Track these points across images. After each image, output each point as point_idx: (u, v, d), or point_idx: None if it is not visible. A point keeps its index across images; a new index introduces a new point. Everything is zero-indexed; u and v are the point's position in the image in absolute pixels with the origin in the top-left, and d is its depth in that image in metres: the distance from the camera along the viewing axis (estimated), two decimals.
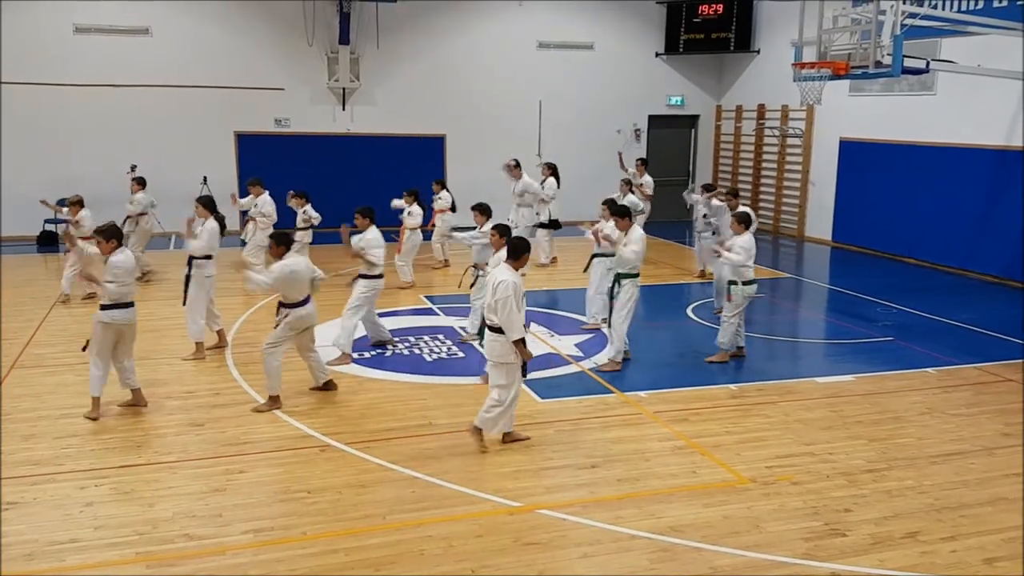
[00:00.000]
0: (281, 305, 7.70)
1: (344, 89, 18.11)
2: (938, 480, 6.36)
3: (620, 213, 9.00)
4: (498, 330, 6.61)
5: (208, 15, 17.29)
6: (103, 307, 7.34)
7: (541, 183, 14.52)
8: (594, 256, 10.26)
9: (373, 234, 9.12)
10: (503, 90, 19.12)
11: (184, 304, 9.24)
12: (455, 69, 18.81)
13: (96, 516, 5.66)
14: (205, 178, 17.32)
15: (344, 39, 17.54)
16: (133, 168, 16.57)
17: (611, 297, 8.93)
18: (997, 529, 5.64)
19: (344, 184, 17.66)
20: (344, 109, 18.32)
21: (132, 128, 16.97)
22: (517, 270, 6.71)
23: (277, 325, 7.68)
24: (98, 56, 16.68)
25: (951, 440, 7.16)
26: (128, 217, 12.69)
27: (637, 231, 8.84)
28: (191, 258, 9.20)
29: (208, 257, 9.23)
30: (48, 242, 16.25)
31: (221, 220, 9.52)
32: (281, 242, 7.73)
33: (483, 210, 9.82)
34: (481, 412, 6.82)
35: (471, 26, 18.84)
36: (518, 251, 6.74)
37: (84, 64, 16.61)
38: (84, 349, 7.41)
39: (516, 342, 6.56)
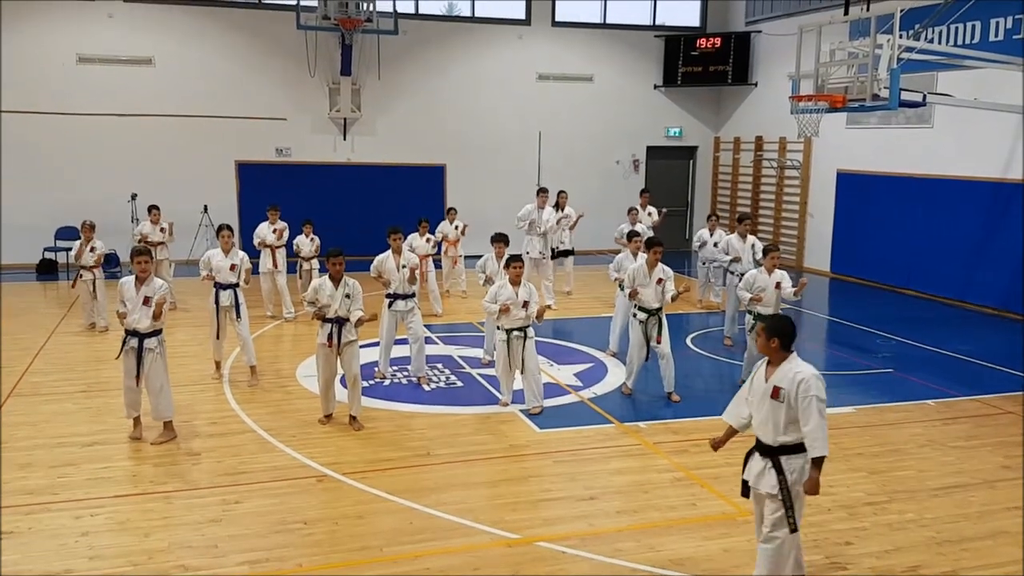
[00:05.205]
0: None
1: (345, 119, 18.26)
2: (939, 513, 6.32)
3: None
4: (790, 449, 4.73)
5: (211, 46, 17.46)
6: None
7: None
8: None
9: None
10: (503, 121, 19.28)
11: (218, 335, 9.47)
12: (456, 100, 18.98)
13: (91, 546, 5.61)
14: (206, 207, 17.40)
15: (346, 70, 17.70)
16: (134, 197, 16.69)
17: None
18: (999, 563, 5.59)
19: (345, 213, 17.73)
20: (345, 139, 18.45)
21: (134, 157, 17.06)
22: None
23: None
24: (101, 86, 16.82)
25: (952, 473, 7.13)
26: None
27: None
28: (235, 287, 9.49)
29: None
30: (47, 270, 16.27)
31: None
32: None
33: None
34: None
35: (472, 58, 19.03)
36: (789, 337, 5.14)
37: (87, 93, 16.74)
38: None
39: (817, 460, 4.64)
